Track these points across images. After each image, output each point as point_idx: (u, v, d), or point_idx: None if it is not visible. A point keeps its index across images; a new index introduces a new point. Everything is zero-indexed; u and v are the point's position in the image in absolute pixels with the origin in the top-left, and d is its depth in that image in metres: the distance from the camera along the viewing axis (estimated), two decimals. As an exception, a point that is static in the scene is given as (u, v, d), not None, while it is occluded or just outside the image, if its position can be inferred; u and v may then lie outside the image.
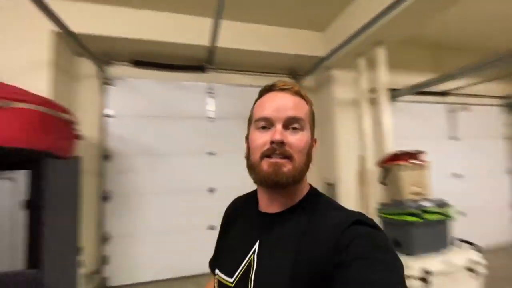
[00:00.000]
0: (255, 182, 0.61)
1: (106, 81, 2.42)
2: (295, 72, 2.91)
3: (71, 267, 1.79)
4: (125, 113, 2.47)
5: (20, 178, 1.42)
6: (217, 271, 0.66)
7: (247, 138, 0.66)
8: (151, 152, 2.48)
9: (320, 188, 2.72)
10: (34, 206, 1.42)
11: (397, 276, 0.43)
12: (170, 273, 2.43)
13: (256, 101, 0.66)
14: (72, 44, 1.99)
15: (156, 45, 2.34)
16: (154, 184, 2.48)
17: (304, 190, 0.64)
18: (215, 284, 0.65)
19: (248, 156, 0.62)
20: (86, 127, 2.31)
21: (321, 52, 2.61)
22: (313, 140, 0.65)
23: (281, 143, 0.55)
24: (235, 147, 2.67)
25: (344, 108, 2.62)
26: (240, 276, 0.58)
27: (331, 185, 2.64)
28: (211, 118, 2.66)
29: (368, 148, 2.40)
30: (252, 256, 0.58)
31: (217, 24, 1.91)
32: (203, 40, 2.26)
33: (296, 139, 0.58)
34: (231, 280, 0.59)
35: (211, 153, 2.63)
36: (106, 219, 2.34)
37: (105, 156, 2.36)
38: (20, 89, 1.49)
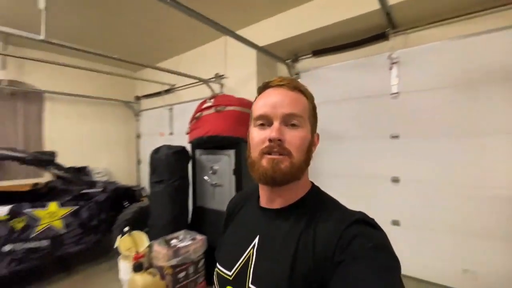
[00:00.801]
0: (255, 179, 0.62)
1: (295, 77, 2.87)
2: None
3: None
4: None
5: (232, 155, 2.22)
6: (217, 264, 0.67)
7: (248, 136, 0.68)
8: (331, 135, 2.60)
9: None
10: (237, 172, 2.17)
11: (395, 276, 0.43)
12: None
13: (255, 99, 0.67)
14: (266, 55, 2.59)
15: (329, 30, 2.36)
16: (333, 166, 2.59)
17: (306, 187, 0.63)
18: (214, 277, 0.67)
19: (249, 154, 0.63)
20: (282, 116, 2.93)
21: None
22: (313, 137, 0.63)
23: (279, 141, 0.55)
24: (423, 127, 2.05)
25: None
26: (238, 270, 0.59)
27: None
28: (393, 94, 2.22)
29: None
30: (251, 250, 0.59)
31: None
32: (374, 4, 1.95)
33: (294, 136, 0.57)
34: (230, 273, 0.61)
35: (394, 136, 2.23)
36: (298, 191, 2.86)
37: (295, 139, 2.85)
38: (230, 96, 2.29)
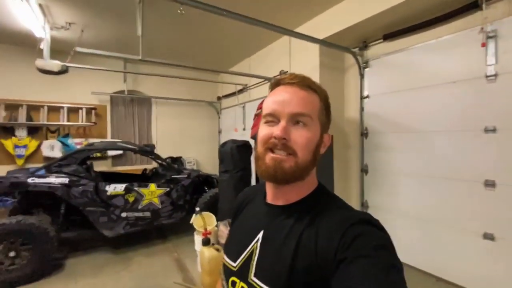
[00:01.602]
0: (258, 174, 0.62)
1: (364, 65, 2.65)
2: None
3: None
4: (378, 92, 2.53)
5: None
6: (223, 255, 0.70)
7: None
8: (406, 129, 2.29)
9: None
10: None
11: (398, 276, 0.42)
12: (420, 264, 2.19)
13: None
14: (329, 47, 2.50)
15: (404, 7, 2.03)
16: (408, 164, 2.28)
17: (312, 186, 0.64)
18: (221, 268, 0.69)
19: (255, 148, 0.64)
20: (350, 108, 2.78)
21: None
22: (322, 137, 0.62)
23: (283, 139, 0.56)
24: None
25: None
26: (243, 262, 0.61)
27: None
28: (490, 76, 1.77)
29: None
30: (255, 244, 0.61)
31: None
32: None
33: (300, 136, 0.57)
34: (234, 264, 0.63)
35: (489, 130, 1.79)
36: (365, 189, 2.66)
37: (363, 133, 2.65)
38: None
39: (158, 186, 2.93)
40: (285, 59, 3.14)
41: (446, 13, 1.96)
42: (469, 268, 1.90)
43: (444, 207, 2.07)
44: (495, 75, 1.75)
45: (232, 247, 0.68)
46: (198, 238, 2.34)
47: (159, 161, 3.21)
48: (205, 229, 2.24)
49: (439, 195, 2.10)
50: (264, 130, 0.59)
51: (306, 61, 2.82)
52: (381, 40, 2.46)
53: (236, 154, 2.43)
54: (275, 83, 0.62)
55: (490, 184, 1.79)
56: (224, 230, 2.21)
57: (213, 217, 2.42)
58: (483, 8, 1.75)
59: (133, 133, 4.24)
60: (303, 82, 0.59)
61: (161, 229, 3.28)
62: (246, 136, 3.40)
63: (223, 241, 2.20)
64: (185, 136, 4.74)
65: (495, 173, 1.77)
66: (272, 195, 0.65)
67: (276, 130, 0.55)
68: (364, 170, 2.66)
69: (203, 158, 4.92)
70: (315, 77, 2.70)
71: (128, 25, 2.77)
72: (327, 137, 0.62)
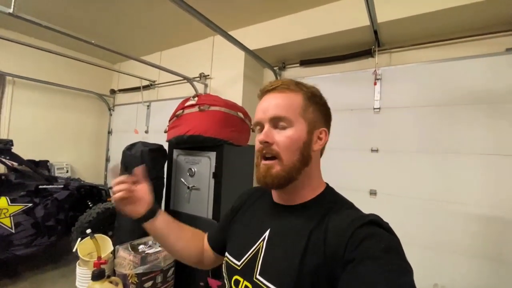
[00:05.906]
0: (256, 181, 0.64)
1: (281, 84, 2.87)
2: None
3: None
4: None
5: (213, 157, 2.12)
6: (226, 253, 0.68)
7: None
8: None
9: None
10: (217, 176, 2.07)
11: (406, 279, 0.42)
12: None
13: None
14: (255, 59, 2.56)
15: (318, 41, 2.39)
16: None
17: (318, 186, 0.64)
18: (223, 267, 0.67)
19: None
20: (266, 122, 2.90)
21: None
22: (313, 133, 0.61)
23: (266, 143, 0.58)
24: (400, 143, 2.13)
25: None
26: (247, 261, 0.60)
27: None
28: (376, 109, 2.29)
29: None
30: (261, 242, 0.60)
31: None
32: (364, 20, 2.01)
33: (281, 137, 0.58)
34: (239, 263, 0.62)
35: (374, 150, 2.28)
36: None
37: (277, 146, 2.83)
38: (215, 96, 2.21)
39: (13, 201, 2.03)
40: (205, 63, 2.97)
41: (350, 53, 2.41)
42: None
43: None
44: (379, 108, 2.28)
45: (236, 245, 0.66)
46: (82, 271, 1.74)
47: (18, 165, 2.25)
48: (99, 257, 1.69)
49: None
50: (256, 139, 0.61)
51: (230, 69, 2.77)
52: (297, 65, 2.75)
53: (148, 159, 2.01)
54: (261, 93, 0.65)
55: (373, 192, 2.27)
56: (126, 256, 1.74)
57: (109, 241, 1.87)
58: (375, 56, 2.27)
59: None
60: (282, 86, 0.61)
61: (11, 263, 2.26)
62: (149, 140, 2.95)
63: (124, 270, 1.72)
64: (56, 134, 3.59)
65: (377, 184, 2.25)
66: (277, 196, 0.66)
67: (260, 136, 0.59)
68: (276, 181, 2.81)
69: (82, 164, 3.87)
70: (239, 87, 2.69)
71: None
72: (322, 133, 0.64)
